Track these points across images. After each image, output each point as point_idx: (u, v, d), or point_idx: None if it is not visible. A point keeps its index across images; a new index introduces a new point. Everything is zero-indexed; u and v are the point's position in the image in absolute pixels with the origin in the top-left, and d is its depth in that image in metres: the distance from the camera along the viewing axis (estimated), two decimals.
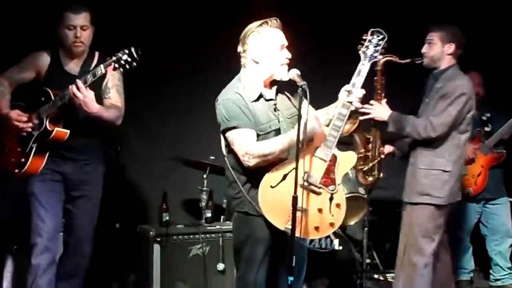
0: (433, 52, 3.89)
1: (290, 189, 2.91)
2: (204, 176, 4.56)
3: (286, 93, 3.25)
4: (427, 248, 3.82)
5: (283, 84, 3.21)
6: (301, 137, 2.88)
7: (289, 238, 2.92)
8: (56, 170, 3.70)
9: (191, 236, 4.36)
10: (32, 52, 3.74)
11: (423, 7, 5.25)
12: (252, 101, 3.11)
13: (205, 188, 4.57)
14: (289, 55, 3.13)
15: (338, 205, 3.08)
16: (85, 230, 3.81)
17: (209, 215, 4.60)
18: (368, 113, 3.81)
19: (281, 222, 2.99)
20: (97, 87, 3.60)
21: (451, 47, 3.88)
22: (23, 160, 3.59)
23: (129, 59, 3.33)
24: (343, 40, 4.30)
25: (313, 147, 3.09)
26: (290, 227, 2.91)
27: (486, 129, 4.86)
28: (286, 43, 3.14)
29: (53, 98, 3.55)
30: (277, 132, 3.11)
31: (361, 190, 4.64)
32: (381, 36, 3.36)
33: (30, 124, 3.61)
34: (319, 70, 4.86)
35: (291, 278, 2.86)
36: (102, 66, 3.41)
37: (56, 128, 3.56)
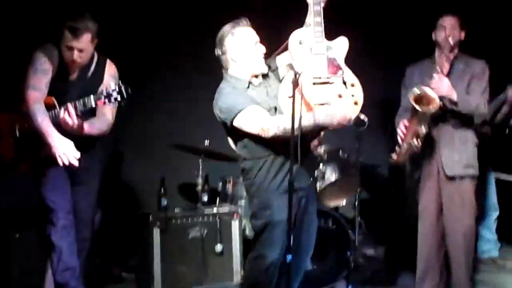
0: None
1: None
2: (200, 161, 4.64)
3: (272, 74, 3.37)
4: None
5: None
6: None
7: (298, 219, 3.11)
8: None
9: (189, 219, 4.44)
10: (45, 49, 3.63)
11: (423, 7, 5.20)
12: (245, 89, 3.26)
13: (201, 173, 4.65)
14: (264, 49, 3.28)
15: (353, 85, 3.22)
16: (84, 214, 3.87)
17: (205, 198, 4.70)
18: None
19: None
20: (93, 92, 3.61)
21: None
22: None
23: (119, 97, 3.47)
24: None
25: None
26: None
27: None
28: (258, 39, 3.29)
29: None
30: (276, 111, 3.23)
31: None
32: None
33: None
34: None
35: (289, 257, 2.97)
36: (92, 99, 3.51)
37: None
